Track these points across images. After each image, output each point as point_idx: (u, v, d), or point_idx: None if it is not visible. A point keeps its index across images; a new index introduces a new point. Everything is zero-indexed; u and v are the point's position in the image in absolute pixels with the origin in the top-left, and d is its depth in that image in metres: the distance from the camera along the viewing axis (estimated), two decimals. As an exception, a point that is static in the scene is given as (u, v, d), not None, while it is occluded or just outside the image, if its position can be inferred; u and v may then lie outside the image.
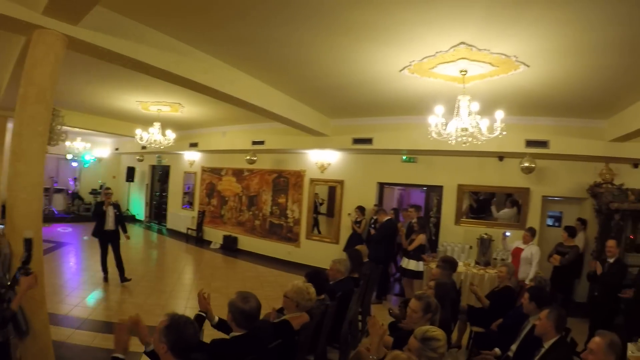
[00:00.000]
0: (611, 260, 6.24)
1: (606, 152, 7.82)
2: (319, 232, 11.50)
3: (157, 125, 9.26)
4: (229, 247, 12.94)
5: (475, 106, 5.22)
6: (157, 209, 17.45)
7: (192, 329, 2.63)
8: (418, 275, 7.94)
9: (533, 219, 9.02)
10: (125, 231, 8.69)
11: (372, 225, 9.57)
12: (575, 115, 7.71)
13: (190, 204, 15.13)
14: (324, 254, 10.84)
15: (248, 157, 11.46)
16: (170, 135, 9.48)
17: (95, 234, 8.50)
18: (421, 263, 8.00)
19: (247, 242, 12.88)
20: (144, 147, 11.27)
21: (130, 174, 16.97)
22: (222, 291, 8.19)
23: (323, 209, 11.57)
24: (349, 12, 4.01)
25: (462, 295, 6.67)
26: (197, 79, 5.64)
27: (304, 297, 3.97)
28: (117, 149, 17.91)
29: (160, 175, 17.49)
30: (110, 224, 8.38)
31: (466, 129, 5.20)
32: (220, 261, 11.65)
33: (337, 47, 4.99)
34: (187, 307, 7.27)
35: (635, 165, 8.39)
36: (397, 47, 4.89)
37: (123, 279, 8.28)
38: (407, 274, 8.05)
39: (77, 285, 7.98)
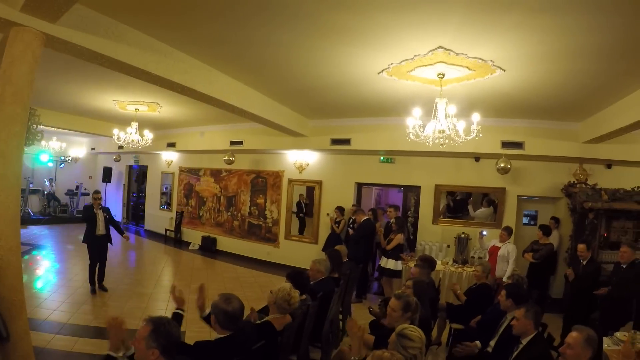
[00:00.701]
0: (584, 262, 6.43)
1: (580, 153, 8.07)
2: (301, 234, 11.54)
3: (134, 125, 9.15)
4: (208, 248, 12.85)
5: (453, 109, 5.30)
6: (135, 210, 17.27)
7: (177, 329, 2.68)
8: (397, 274, 8.06)
9: (509, 218, 9.24)
10: (121, 233, 8.43)
11: (351, 226, 9.64)
12: (550, 118, 7.90)
13: (167, 205, 15.01)
14: (303, 254, 10.92)
15: (226, 158, 11.41)
16: (148, 135, 9.38)
17: (85, 239, 8.04)
18: (400, 262, 8.12)
19: (226, 242, 12.83)
20: (120, 147, 11.14)
21: (107, 174, 16.63)
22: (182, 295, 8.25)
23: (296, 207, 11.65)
24: (328, 15, 4.02)
25: (441, 293, 6.80)
26: (176, 79, 5.57)
27: (284, 297, 3.98)
28: (93, 149, 17.55)
29: (138, 176, 17.32)
30: (101, 229, 8.01)
31: (443, 131, 5.27)
32: (199, 262, 11.58)
33: (316, 49, 5.00)
34: (168, 310, 7.11)
35: (609, 166, 8.71)
36: (376, 50, 4.94)
37: (101, 286, 8.00)
38: (386, 273, 8.16)
39: (55, 289, 7.79)
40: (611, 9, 3.53)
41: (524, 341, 3.81)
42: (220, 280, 9.63)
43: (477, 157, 9.36)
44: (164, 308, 7.33)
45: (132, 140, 9.21)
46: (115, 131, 9.35)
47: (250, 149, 11.23)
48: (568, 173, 8.78)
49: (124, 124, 10.20)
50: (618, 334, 4.81)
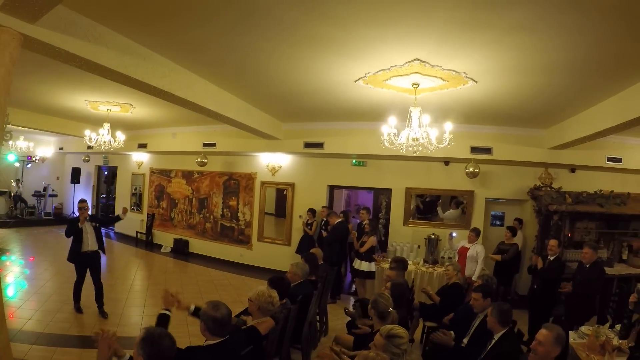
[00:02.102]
0: (551, 258, 6.74)
1: (545, 159, 8.50)
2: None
3: (106, 126, 8.98)
4: (180, 250, 12.70)
5: (427, 119, 5.52)
6: (104, 212, 16.87)
7: (169, 342, 2.70)
8: (370, 275, 8.23)
9: (477, 220, 9.59)
10: (116, 219, 7.88)
11: (323, 228, 9.76)
12: (518, 125, 8.28)
13: (137, 206, 14.72)
14: (277, 256, 11.08)
15: (199, 159, 11.37)
16: (121, 137, 9.24)
17: (71, 258, 7.09)
18: (373, 264, 8.28)
19: (198, 245, 12.71)
20: (90, 147, 10.90)
21: (76, 175, 16.23)
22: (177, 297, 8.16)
23: (270, 209, 11.71)
24: (311, 25, 4.11)
25: (415, 293, 7.00)
26: (155, 83, 5.50)
27: (266, 300, 4.06)
28: (61, 149, 16.98)
29: (107, 177, 16.97)
30: (89, 244, 7.04)
31: (417, 139, 5.47)
32: (172, 265, 11.44)
33: (296, 57, 5.08)
34: (145, 315, 7.12)
35: (572, 170, 9.21)
36: (355, 60, 5.07)
37: (102, 312, 7.00)
38: (360, 275, 8.31)
39: (27, 297, 7.51)
40: (579, 31, 3.83)
41: (496, 337, 4.07)
42: (195, 283, 9.57)
43: (446, 161, 9.64)
44: (140, 314, 7.22)
45: (105, 142, 9.03)
46: (87, 132, 9.15)
47: (223, 151, 11.19)
48: (534, 177, 9.18)
49: (95, 124, 10.08)
50: (583, 329, 5.17)
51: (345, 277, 10.05)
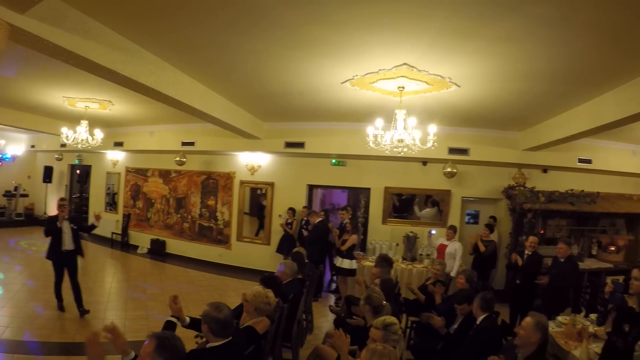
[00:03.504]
0: (530, 253, 7.08)
1: (519, 160, 8.92)
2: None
3: (84, 123, 8.78)
4: (157, 251, 12.46)
5: (413, 121, 5.72)
6: (78, 212, 16.39)
7: (180, 342, 2.75)
8: (352, 272, 8.34)
9: (453, 218, 9.90)
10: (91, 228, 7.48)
11: (304, 227, 9.84)
12: (494, 127, 8.64)
13: (110, 206, 14.38)
14: (256, 255, 11.10)
15: (178, 158, 11.20)
16: (99, 135, 9.05)
17: (49, 256, 7.03)
18: (354, 261, 8.42)
19: (175, 245, 12.51)
20: (63, 145, 10.67)
21: (48, 174, 15.75)
22: (159, 299, 8.08)
23: (247, 209, 11.69)
24: (306, 27, 4.16)
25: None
26: (143, 80, 5.37)
27: (263, 300, 4.09)
28: (32, 146, 16.16)
29: (80, 176, 16.53)
30: (67, 244, 6.97)
31: (402, 140, 5.67)
32: (150, 267, 11.23)
33: (287, 58, 5.13)
34: (127, 319, 6.98)
35: (545, 171, 9.67)
36: (344, 63, 5.18)
37: (81, 311, 6.95)
38: (342, 272, 8.42)
39: (3, 303, 7.15)
40: (563, 43, 4.14)
41: (478, 320, 4.55)
42: (175, 284, 9.44)
43: (424, 161, 9.87)
44: (122, 317, 7.05)
45: (82, 140, 8.82)
46: (64, 130, 8.92)
47: (202, 150, 11.10)
48: (508, 177, 9.53)
49: (70, 121, 9.80)
50: (560, 318, 5.55)
51: (325, 276, 10.13)
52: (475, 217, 10.57)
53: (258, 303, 4.07)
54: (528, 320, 3.63)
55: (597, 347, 4.39)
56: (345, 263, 8.32)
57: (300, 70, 5.60)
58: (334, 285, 9.73)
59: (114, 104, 8.98)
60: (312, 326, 7.02)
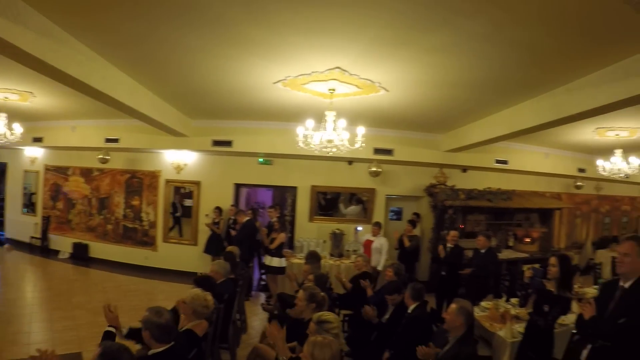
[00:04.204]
0: (452, 246, 7.64)
1: (441, 160, 9.61)
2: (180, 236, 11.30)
3: (2, 116, 8.15)
4: (80, 256, 11.73)
5: (343, 123, 5.90)
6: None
7: (127, 356, 2.68)
8: (281, 270, 8.37)
9: (378, 214, 10.43)
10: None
11: (232, 226, 9.80)
12: (418, 129, 9.24)
13: (28, 207, 13.29)
14: (183, 256, 10.87)
15: (101, 156, 10.64)
16: (18, 129, 8.45)
17: None
18: (283, 259, 8.47)
19: (99, 249, 11.83)
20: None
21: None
22: (85, 306, 7.70)
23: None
24: (246, 26, 4.17)
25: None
26: (71, 71, 4.91)
27: (201, 303, 4.03)
28: None
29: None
30: None
31: (332, 141, 5.87)
32: (73, 273, 10.55)
33: (221, 56, 5.10)
34: (54, 331, 6.56)
35: (464, 170, 10.51)
36: (278, 64, 5.27)
37: None
38: (271, 271, 8.45)
39: None
40: (487, 57, 4.60)
41: (410, 309, 4.91)
42: (102, 291, 8.98)
43: (350, 161, 10.19)
44: (49, 329, 6.64)
45: (0, 134, 8.20)
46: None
47: (127, 147, 10.63)
48: (430, 176, 10.25)
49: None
50: (483, 303, 6.17)
51: (253, 274, 10.14)
52: (398, 214, 11.16)
53: (196, 306, 4.00)
54: (452, 306, 3.97)
55: (520, 327, 4.94)
56: (274, 261, 8.33)
57: (234, 68, 5.59)
58: (255, 284, 9.82)
59: (36, 96, 8.30)
60: (246, 326, 7.02)
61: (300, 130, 6.06)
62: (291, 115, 8.03)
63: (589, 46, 4.25)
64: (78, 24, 4.50)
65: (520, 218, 10.90)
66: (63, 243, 12.25)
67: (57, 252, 12.15)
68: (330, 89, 5.97)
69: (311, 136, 5.98)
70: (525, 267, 7.39)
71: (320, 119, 6.01)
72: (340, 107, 6.63)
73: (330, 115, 5.93)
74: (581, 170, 11.65)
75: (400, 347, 4.48)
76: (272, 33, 4.30)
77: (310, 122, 5.94)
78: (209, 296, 4.15)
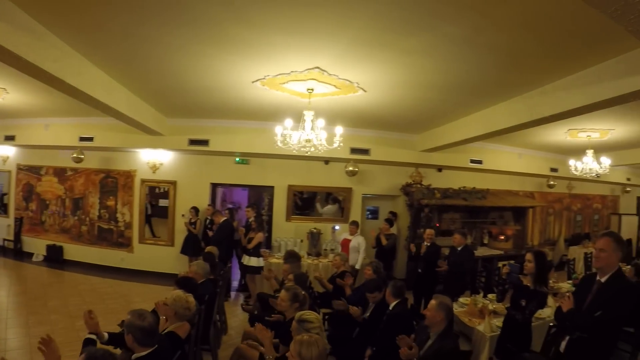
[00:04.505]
0: (428, 244, 7.76)
1: (417, 160, 9.81)
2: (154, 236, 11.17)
3: None
4: (54, 258, 11.43)
5: (321, 122, 5.97)
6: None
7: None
8: (259, 270, 8.37)
9: (355, 213, 10.53)
10: None
11: (209, 227, 9.76)
12: (394, 130, 9.37)
13: (0, 208, 12.85)
14: (160, 257, 10.74)
15: (75, 155, 10.40)
16: None
17: None
18: (261, 259, 8.48)
19: (74, 251, 11.55)
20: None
21: None
22: (61, 310, 7.54)
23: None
24: (226, 25, 4.16)
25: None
26: (47, 67, 4.76)
27: (183, 305, 4.00)
28: None
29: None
30: None
31: (310, 140, 5.92)
32: (48, 276, 10.27)
33: (201, 54, 5.07)
34: (31, 336, 6.35)
35: (440, 170, 10.73)
36: (257, 63, 5.28)
37: None
38: (250, 270, 8.44)
39: None
40: (464, 60, 4.75)
41: (391, 306, 5.01)
42: (78, 294, 8.76)
43: (326, 161, 10.27)
44: (26, 335, 6.48)
45: None
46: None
47: (101, 146, 10.39)
48: (406, 175, 10.46)
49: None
50: (461, 299, 6.33)
51: (232, 275, 10.11)
52: (374, 213, 11.29)
53: (178, 308, 3.97)
54: (432, 302, 4.08)
55: (498, 322, 5.08)
56: (252, 261, 8.33)
57: (213, 66, 5.56)
58: (235, 284, 9.85)
59: (9, 92, 8.04)
60: (227, 326, 7.01)
61: (278, 130, 6.08)
62: (269, 114, 8.04)
63: (564, 51, 4.41)
64: (57, 15, 4.35)
65: (494, 216, 11.17)
66: (37, 245, 11.91)
67: (30, 254, 11.82)
68: (308, 89, 6.02)
69: (290, 136, 6.00)
70: (501, 264, 7.68)
71: (298, 118, 6.04)
72: (319, 106, 6.71)
73: (308, 115, 5.97)
74: (553, 169, 12.03)
75: (383, 343, 4.56)
76: (252, 32, 4.31)
77: (289, 122, 5.95)
78: (190, 298, 4.12)
